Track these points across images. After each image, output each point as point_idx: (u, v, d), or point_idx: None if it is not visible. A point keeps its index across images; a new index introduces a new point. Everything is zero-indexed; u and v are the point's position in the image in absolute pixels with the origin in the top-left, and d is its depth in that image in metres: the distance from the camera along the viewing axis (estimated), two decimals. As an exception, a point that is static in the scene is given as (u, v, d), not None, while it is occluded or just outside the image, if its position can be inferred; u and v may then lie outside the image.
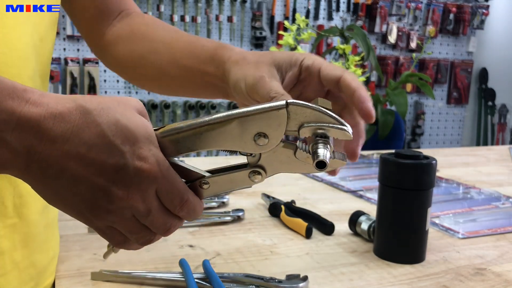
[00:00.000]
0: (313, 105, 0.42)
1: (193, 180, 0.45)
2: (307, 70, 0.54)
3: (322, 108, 0.42)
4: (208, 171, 0.45)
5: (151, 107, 3.01)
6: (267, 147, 0.43)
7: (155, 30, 0.66)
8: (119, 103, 0.40)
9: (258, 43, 3.24)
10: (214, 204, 0.86)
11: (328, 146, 0.42)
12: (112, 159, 0.38)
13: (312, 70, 0.53)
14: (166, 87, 0.68)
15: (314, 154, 0.42)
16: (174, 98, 3.11)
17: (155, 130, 0.42)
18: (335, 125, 0.42)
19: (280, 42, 1.35)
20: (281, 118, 0.41)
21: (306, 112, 0.42)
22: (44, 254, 0.58)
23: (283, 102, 0.41)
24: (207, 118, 0.42)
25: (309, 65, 0.53)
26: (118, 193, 0.39)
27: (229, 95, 0.58)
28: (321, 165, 0.42)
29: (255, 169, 0.45)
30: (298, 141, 0.44)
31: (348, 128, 0.42)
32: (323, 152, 0.41)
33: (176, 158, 0.44)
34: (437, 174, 1.20)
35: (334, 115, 0.42)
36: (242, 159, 0.45)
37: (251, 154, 0.44)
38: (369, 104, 0.51)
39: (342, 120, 0.42)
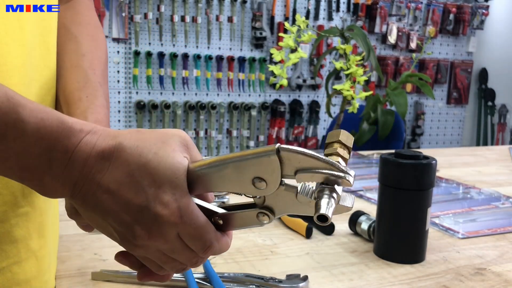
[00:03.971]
0: (306, 151, 0.40)
1: (208, 216, 0.45)
2: None
3: (316, 154, 0.40)
4: (223, 207, 0.46)
5: (151, 107, 3.01)
6: (267, 191, 0.42)
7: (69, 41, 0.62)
8: (158, 141, 0.41)
9: (258, 43, 3.24)
10: (214, 204, 0.86)
11: (334, 194, 0.40)
12: (137, 199, 0.40)
13: None
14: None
15: (316, 206, 0.40)
16: (175, 98, 3.11)
17: (194, 163, 0.42)
18: (333, 173, 0.40)
19: (280, 44, 1.35)
20: (274, 164, 0.40)
21: (299, 158, 0.40)
22: (53, 244, 0.58)
23: (274, 148, 0.40)
24: (207, 161, 0.42)
25: None
26: (140, 232, 0.41)
27: None
28: (322, 219, 0.40)
29: (262, 210, 0.44)
30: (301, 183, 0.42)
31: (349, 176, 0.40)
32: (325, 205, 0.39)
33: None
34: (437, 174, 1.20)
35: (331, 161, 0.40)
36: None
37: (254, 197, 0.44)
38: None
39: (342, 166, 0.40)
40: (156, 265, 0.45)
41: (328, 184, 0.40)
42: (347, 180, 0.40)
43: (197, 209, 0.42)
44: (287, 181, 0.42)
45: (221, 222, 0.45)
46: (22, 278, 0.52)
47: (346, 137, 0.43)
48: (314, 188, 0.41)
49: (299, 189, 0.42)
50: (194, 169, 0.42)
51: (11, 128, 0.37)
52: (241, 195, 0.44)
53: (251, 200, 0.45)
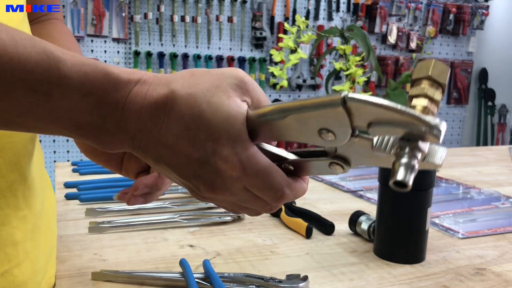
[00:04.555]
0: (381, 101, 0.32)
1: (278, 161, 0.41)
2: None
3: (393, 104, 0.32)
4: (293, 152, 0.42)
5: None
6: (337, 142, 0.37)
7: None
8: (211, 86, 0.38)
9: (258, 43, 3.24)
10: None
11: (417, 152, 0.33)
12: (197, 153, 0.38)
13: None
14: None
15: (393, 168, 0.33)
16: (174, 98, 3.11)
17: (254, 110, 0.38)
18: (416, 127, 0.32)
19: (280, 45, 1.35)
20: (340, 116, 0.34)
21: (371, 110, 0.33)
22: (47, 245, 0.59)
23: (339, 98, 0.33)
24: (267, 109, 0.38)
25: None
26: (204, 187, 0.39)
27: None
28: (400, 185, 0.33)
29: (334, 160, 0.39)
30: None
31: (436, 130, 0.32)
32: (402, 170, 0.33)
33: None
34: (437, 174, 1.20)
35: (412, 113, 0.32)
36: None
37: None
38: None
39: (427, 118, 0.32)
40: (232, 210, 0.44)
41: (410, 140, 0.33)
42: (434, 135, 0.32)
43: (263, 158, 0.39)
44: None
45: (292, 168, 0.41)
46: (20, 280, 0.52)
47: (439, 72, 0.35)
48: (393, 140, 0.35)
49: (374, 141, 0.36)
50: (254, 117, 0.38)
51: (55, 85, 0.35)
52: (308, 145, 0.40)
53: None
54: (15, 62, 0.34)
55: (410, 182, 0.32)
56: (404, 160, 0.33)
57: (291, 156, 0.41)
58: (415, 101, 0.35)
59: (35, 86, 0.35)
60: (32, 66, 0.34)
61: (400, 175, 0.32)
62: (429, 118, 0.32)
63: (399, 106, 0.32)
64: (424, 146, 0.34)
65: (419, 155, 0.33)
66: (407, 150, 0.33)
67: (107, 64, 0.38)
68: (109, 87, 0.36)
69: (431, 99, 0.34)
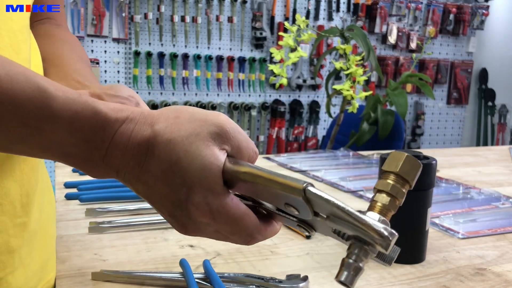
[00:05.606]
0: (335, 202, 0.34)
1: (254, 205, 0.43)
2: None
3: (348, 208, 0.34)
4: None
5: (151, 107, 3.01)
6: (301, 217, 0.39)
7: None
8: (191, 134, 0.39)
9: (258, 43, 3.24)
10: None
11: (362, 255, 0.35)
12: (172, 196, 0.40)
13: None
14: None
15: (340, 266, 0.36)
16: (175, 98, 3.11)
17: (231, 165, 0.39)
18: (365, 233, 0.34)
19: (280, 43, 1.35)
20: (302, 203, 0.36)
21: (327, 207, 0.35)
22: (45, 250, 0.58)
23: (301, 188, 0.35)
24: (242, 169, 0.39)
25: None
26: (178, 227, 0.42)
27: None
28: (343, 284, 0.35)
29: (301, 224, 0.41)
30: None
31: (384, 241, 0.33)
32: (346, 270, 0.35)
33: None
34: (437, 174, 1.20)
35: (363, 220, 0.33)
36: None
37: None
38: None
39: (378, 227, 0.33)
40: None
41: (360, 241, 0.35)
42: (383, 247, 0.33)
43: (235, 207, 0.40)
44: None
45: (265, 212, 0.43)
46: (14, 287, 0.52)
47: (409, 168, 0.36)
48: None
49: (333, 228, 0.38)
50: (230, 171, 0.39)
51: (46, 122, 0.37)
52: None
53: None
54: (9, 97, 0.36)
55: (352, 285, 0.35)
56: (350, 260, 0.35)
57: (267, 204, 0.43)
58: (377, 196, 0.36)
59: (27, 120, 0.37)
60: (24, 102, 0.36)
61: (343, 276, 0.35)
62: (380, 229, 0.33)
63: (353, 211, 0.33)
64: (374, 250, 0.35)
65: (366, 258, 0.35)
66: (356, 251, 0.35)
67: (96, 101, 0.39)
68: (97, 126, 0.39)
69: (390, 203, 0.36)
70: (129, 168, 0.40)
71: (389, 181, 0.36)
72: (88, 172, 0.42)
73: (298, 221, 0.41)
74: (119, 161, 0.40)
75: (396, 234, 0.33)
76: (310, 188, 0.35)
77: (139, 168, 0.40)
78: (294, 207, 0.38)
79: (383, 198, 0.36)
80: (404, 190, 0.36)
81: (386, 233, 0.33)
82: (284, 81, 1.33)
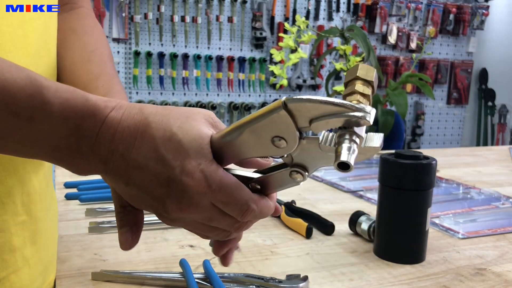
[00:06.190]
0: (314, 97, 0.37)
1: (245, 182, 0.43)
2: None
3: (326, 98, 0.37)
4: (257, 172, 0.45)
5: (151, 107, 3.01)
6: (289, 149, 0.40)
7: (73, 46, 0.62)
8: (182, 116, 0.41)
9: (258, 43, 3.24)
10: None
11: (355, 137, 0.37)
12: (165, 173, 0.40)
13: None
14: None
15: (336, 153, 0.37)
16: (175, 98, 3.11)
17: (216, 134, 0.41)
18: (348, 114, 0.36)
19: (280, 44, 1.35)
20: (285, 119, 0.38)
21: (308, 107, 0.37)
22: (49, 250, 0.58)
23: (280, 102, 0.38)
24: (225, 130, 0.41)
25: None
26: (172, 206, 0.41)
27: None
28: (343, 166, 0.37)
29: (293, 168, 0.42)
30: (324, 132, 0.40)
31: (366, 114, 0.36)
32: (345, 151, 0.37)
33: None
34: (437, 174, 1.20)
35: (342, 102, 0.36)
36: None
37: (281, 156, 0.42)
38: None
39: (356, 106, 0.36)
40: (201, 234, 0.46)
41: (347, 128, 0.37)
42: (366, 120, 0.36)
43: (227, 175, 0.41)
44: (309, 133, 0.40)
45: (258, 187, 0.44)
46: (18, 287, 0.52)
47: (366, 71, 0.40)
48: (336, 135, 0.39)
49: (320, 139, 0.40)
50: (216, 139, 0.41)
51: (37, 110, 0.37)
52: (268, 158, 0.43)
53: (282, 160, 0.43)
54: (0, 87, 0.36)
55: (352, 162, 0.36)
56: (345, 144, 0.37)
57: (255, 175, 0.44)
58: (348, 98, 0.39)
59: (18, 110, 0.37)
60: (16, 91, 0.36)
61: (343, 156, 0.36)
62: (359, 106, 0.36)
63: (332, 99, 0.37)
64: (361, 131, 0.38)
65: (357, 140, 0.38)
66: (346, 136, 0.38)
67: (85, 92, 0.40)
68: (88, 112, 0.39)
69: (362, 94, 0.39)
70: (119, 154, 0.40)
71: (353, 85, 0.39)
72: (75, 166, 0.41)
73: (290, 167, 0.42)
74: (108, 147, 0.40)
75: (374, 109, 0.37)
76: (288, 97, 0.38)
77: (128, 152, 0.40)
78: (281, 137, 0.39)
79: (354, 97, 0.39)
80: (369, 89, 0.39)
81: (365, 107, 0.37)
82: (285, 82, 1.33)
